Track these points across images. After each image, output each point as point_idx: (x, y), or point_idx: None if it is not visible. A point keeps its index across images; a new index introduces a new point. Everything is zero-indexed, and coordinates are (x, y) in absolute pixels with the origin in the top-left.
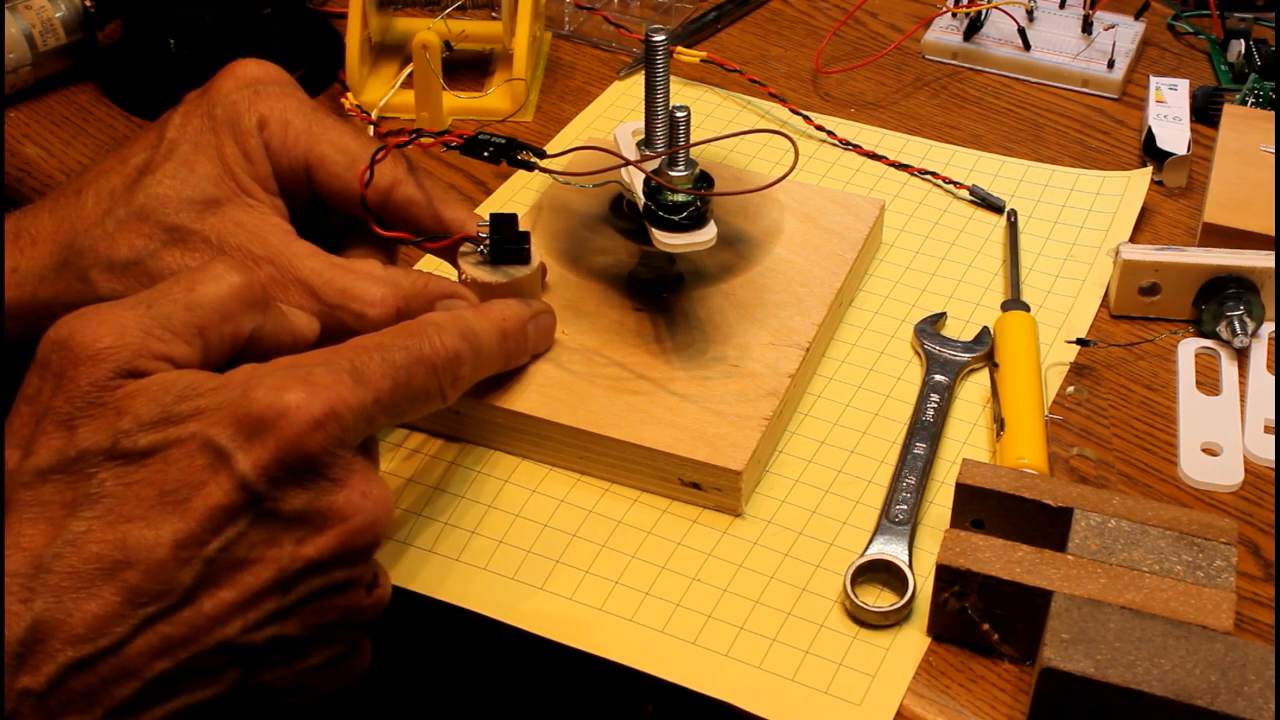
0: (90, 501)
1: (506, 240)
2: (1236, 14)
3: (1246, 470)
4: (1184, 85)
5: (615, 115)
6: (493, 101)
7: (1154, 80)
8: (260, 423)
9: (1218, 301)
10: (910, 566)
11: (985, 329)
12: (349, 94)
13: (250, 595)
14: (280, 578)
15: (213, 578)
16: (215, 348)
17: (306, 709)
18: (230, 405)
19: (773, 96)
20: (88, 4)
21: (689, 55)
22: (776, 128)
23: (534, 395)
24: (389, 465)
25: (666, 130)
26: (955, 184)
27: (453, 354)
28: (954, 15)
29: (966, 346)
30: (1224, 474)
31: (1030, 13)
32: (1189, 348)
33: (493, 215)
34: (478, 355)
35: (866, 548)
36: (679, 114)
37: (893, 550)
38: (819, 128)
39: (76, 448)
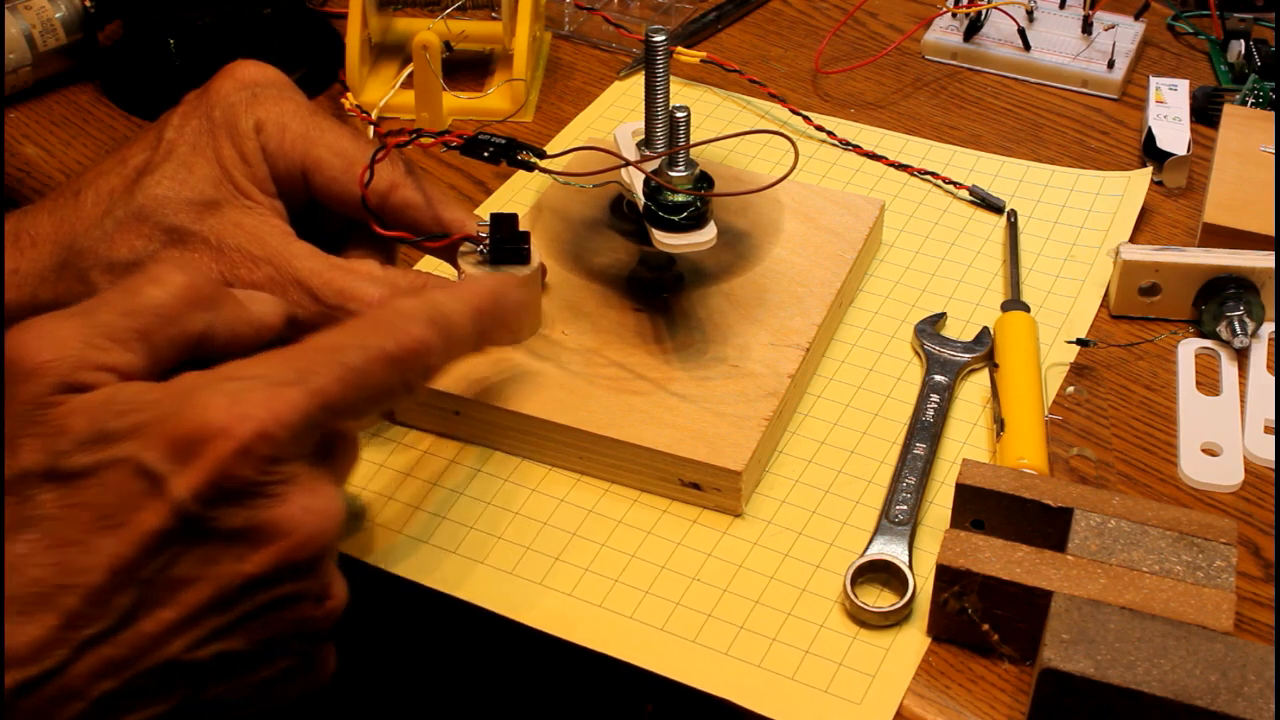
0: (30, 524)
1: (506, 240)
2: (1236, 14)
3: (1246, 470)
4: (1184, 85)
5: (615, 115)
6: (493, 102)
7: (1154, 80)
8: (190, 444)
9: (1218, 302)
10: (910, 567)
11: (985, 329)
12: (349, 94)
13: (191, 614)
14: (221, 595)
15: (152, 598)
16: (163, 352)
17: (296, 709)
18: (162, 424)
19: (772, 97)
20: (88, 4)
21: (689, 55)
22: (776, 128)
23: (534, 395)
24: (388, 462)
25: (666, 130)
26: (955, 184)
27: (418, 345)
28: (954, 15)
29: (966, 347)
30: (1224, 474)
31: (1030, 13)
32: (1189, 348)
33: (493, 215)
34: (449, 340)
35: (866, 548)
36: (679, 114)
37: (893, 550)
38: (819, 128)
39: (18, 468)
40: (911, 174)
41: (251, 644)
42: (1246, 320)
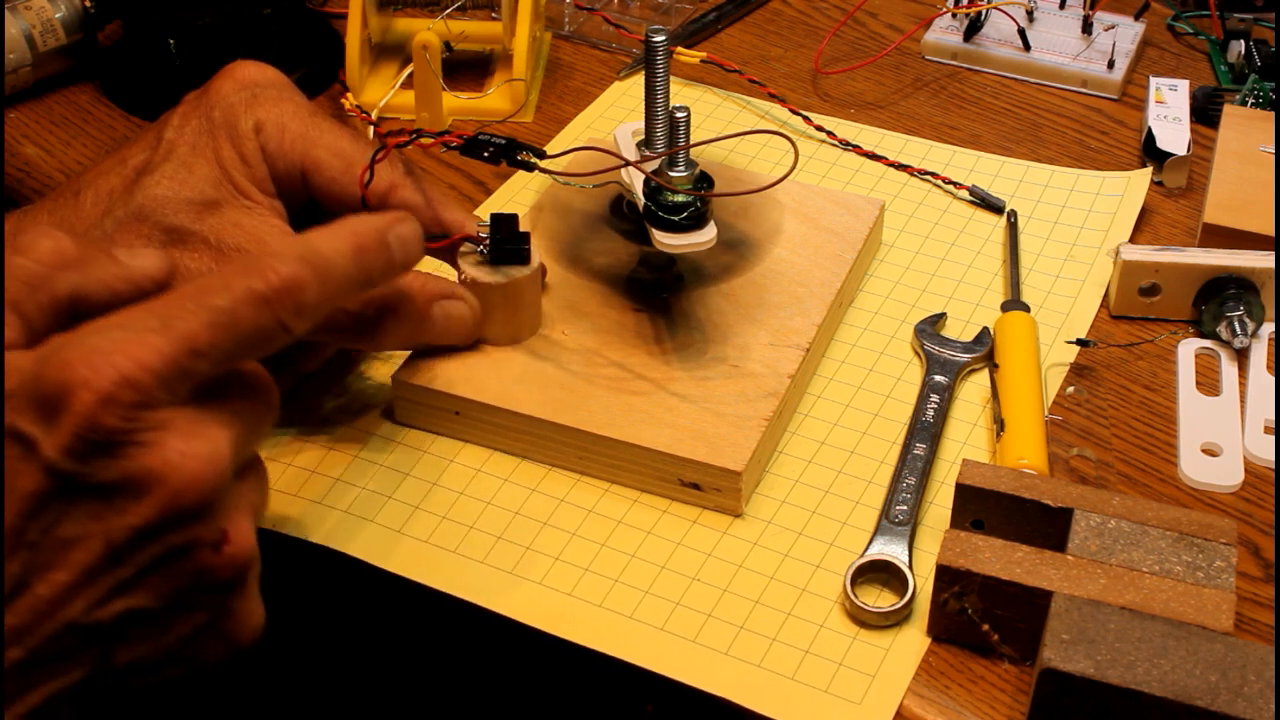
0: None
1: (506, 240)
2: (1236, 14)
3: (1246, 471)
4: (1184, 86)
5: (615, 115)
6: (493, 102)
7: (1154, 81)
8: (53, 402)
9: (1218, 302)
10: (910, 567)
11: (985, 329)
12: (349, 94)
13: (84, 573)
14: (110, 550)
15: (42, 562)
16: (36, 319)
17: (296, 709)
18: (27, 387)
19: (772, 97)
20: (88, 4)
21: (689, 55)
22: (776, 128)
23: (534, 395)
24: (387, 461)
25: (666, 131)
26: (955, 184)
27: (287, 283)
28: (954, 15)
29: (966, 347)
30: (1224, 474)
31: (1030, 13)
32: (1189, 348)
33: (493, 215)
34: (325, 278)
35: (866, 548)
36: (679, 114)
37: (893, 551)
38: (819, 128)
39: None
40: (911, 174)
41: (156, 599)
42: (1246, 320)
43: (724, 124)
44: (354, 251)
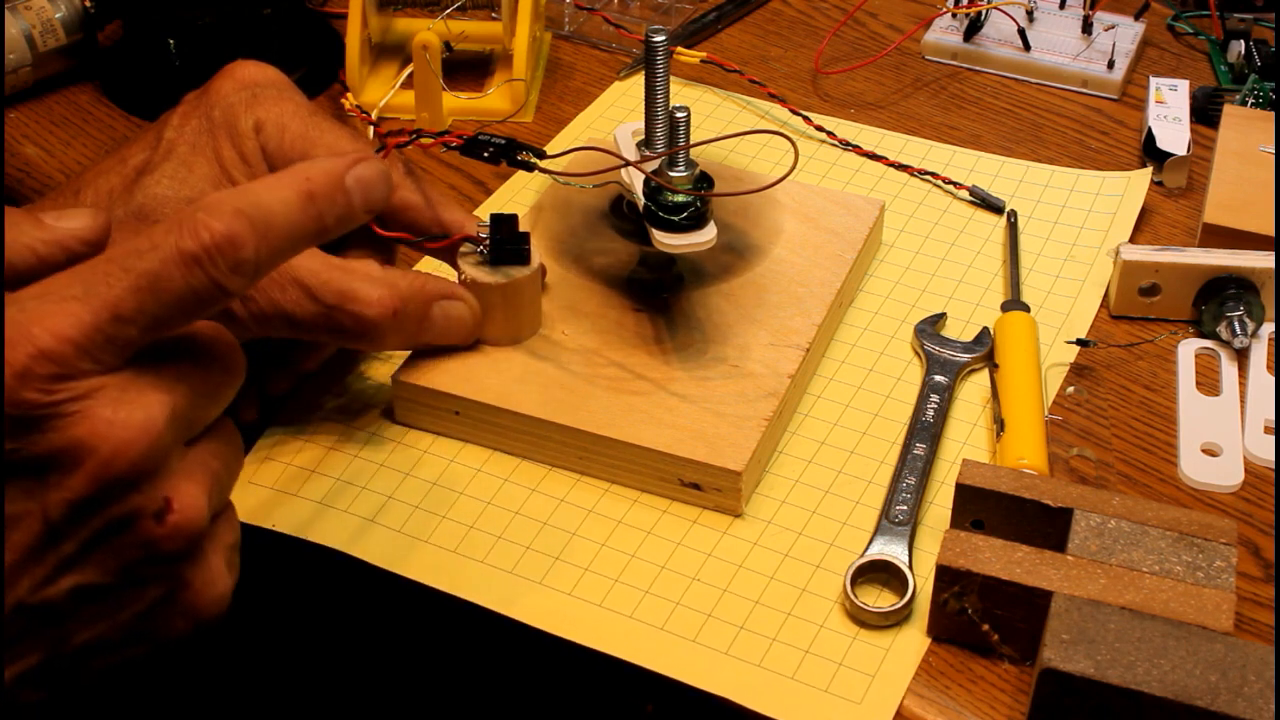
0: None
1: (506, 240)
2: (1236, 14)
3: (1246, 471)
4: (1184, 86)
5: (615, 115)
6: (493, 102)
7: (1154, 81)
8: None
9: (1218, 302)
10: (910, 567)
11: (985, 329)
12: (349, 94)
13: (27, 552)
14: (48, 527)
15: None
16: None
17: (297, 708)
18: None
19: (772, 97)
20: (88, 4)
21: (689, 55)
22: (776, 128)
23: (534, 395)
24: (388, 461)
25: (666, 131)
26: (955, 184)
27: (220, 240)
28: (954, 16)
29: (966, 347)
30: (1224, 474)
31: (1030, 13)
32: (1189, 348)
33: (493, 215)
34: (266, 230)
35: (866, 548)
36: (679, 114)
37: (893, 551)
38: (819, 128)
39: None
40: (911, 174)
41: (105, 574)
42: (1246, 320)
43: (724, 124)
44: (302, 199)
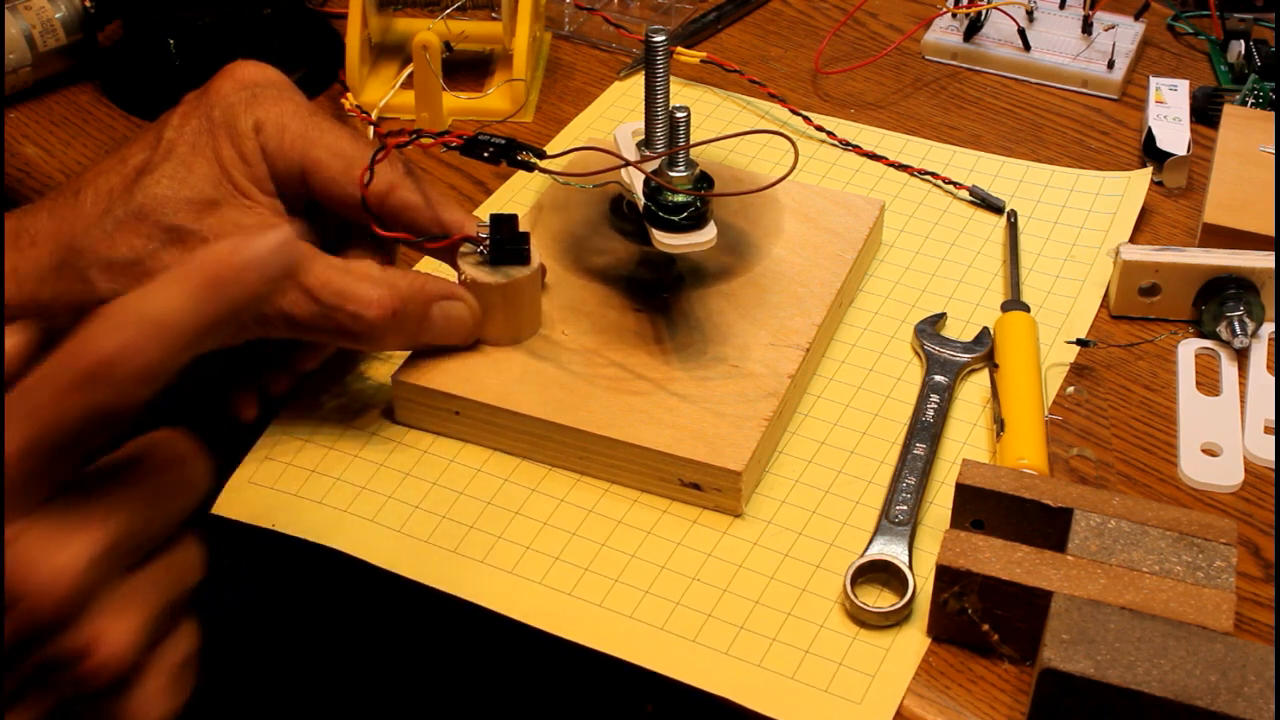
0: None
1: (506, 240)
2: (1236, 14)
3: (1246, 471)
4: (1184, 86)
5: (615, 115)
6: (493, 102)
7: (1154, 81)
8: None
9: (1218, 302)
10: (910, 567)
11: (985, 329)
12: (349, 94)
13: None
14: None
15: None
16: None
17: (301, 700)
18: None
19: (772, 97)
20: (88, 4)
21: (689, 55)
22: (776, 128)
23: (534, 395)
24: (388, 461)
25: (666, 131)
26: (955, 184)
27: (113, 355)
28: (954, 15)
29: (966, 347)
30: (1224, 474)
31: (1030, 13)
32: (1189, 348)
33: (493, 216)
34: (163, 332)
35: (866, 548)
36: (679, 114)
37: (893, 551)
38: (819, 128)
39: None
40: (911, 174)
41: (42, 712)
42: (1246, 320)
43: (724, 124)
44: (203, 287)
